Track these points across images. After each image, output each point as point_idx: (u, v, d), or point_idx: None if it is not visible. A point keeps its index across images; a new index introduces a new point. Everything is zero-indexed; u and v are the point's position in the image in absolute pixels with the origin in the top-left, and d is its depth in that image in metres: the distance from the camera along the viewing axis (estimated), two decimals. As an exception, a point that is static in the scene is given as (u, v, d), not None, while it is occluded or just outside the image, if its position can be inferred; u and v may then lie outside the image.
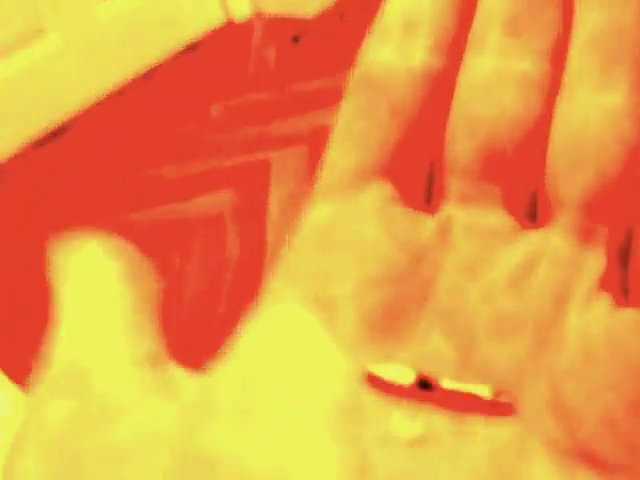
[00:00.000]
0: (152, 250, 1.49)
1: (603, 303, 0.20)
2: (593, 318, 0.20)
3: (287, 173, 1.52)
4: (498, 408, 0.21)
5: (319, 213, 0.23)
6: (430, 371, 0.21)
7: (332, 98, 1.68)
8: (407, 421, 0.20)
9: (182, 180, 1.64)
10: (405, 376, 0.21)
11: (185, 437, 0.19)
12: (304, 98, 1.70)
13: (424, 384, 0.21)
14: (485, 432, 0.20)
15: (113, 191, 1.71)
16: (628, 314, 0.20)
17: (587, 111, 0.21)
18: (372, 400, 0.20)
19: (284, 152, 1.62)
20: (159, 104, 1.79)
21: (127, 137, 1.76)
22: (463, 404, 0.21)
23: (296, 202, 1.44)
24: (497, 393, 0.21)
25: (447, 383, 0.21)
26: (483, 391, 0.21)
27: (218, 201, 1.56)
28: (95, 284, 0.22)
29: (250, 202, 1.47)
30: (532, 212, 0.23)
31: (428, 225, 0.22)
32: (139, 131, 1.76)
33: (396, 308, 0.21)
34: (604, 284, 0.21)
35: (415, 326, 0.21)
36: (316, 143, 1.59)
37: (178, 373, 0.21)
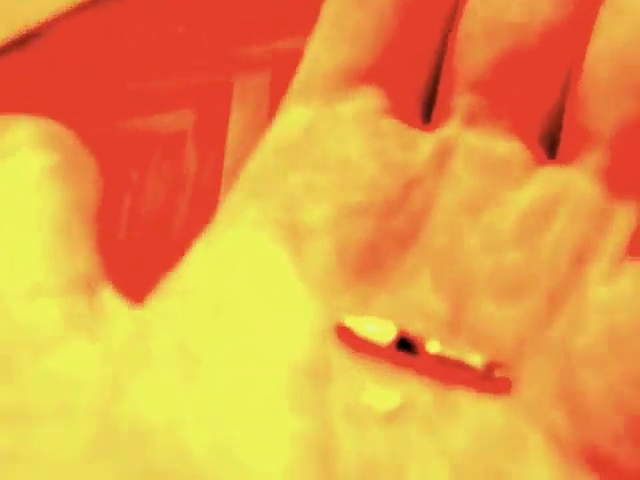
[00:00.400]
0: (111, 164, 1.45)
1: (633, 272, 0.17)
2: (620, 291, 0.17)
3: (249, 97, 1.48)
4: (491, 383, 0.18)
5: (293, 119, 0.20)
6: (414, 329, 0.19)
7: (301, 23, 1.62)
8: (383, 390, 0.18)
9: (144, 96, 1.58)
10: (384, 332, 0.18)
11: (109, 396, 0.16)
12: (271, 22, 1.65)
13: (406, 345, 0.18)
14: (474, 411, 0.17)
15: (74, 104, 1.65)
16: None
17: (639, 24, 0.18)
18: (342, 361, 0.17)
19: (248, 75, 1.57)
20: (126, 20, 1.72)
21: (92, 51, 1.69)
22: (451, 374, 0.18)
23: (256, 127, 1.40)
24: (492, 365, 0.18)
25: (433, 346, 0.18)
26: (476, 360, 0.18)
27: (179, 119, 1.51)
28: (12, 181, 0.17)
29: (211, 123, 1.42)
30: (553, 145, 0.20)
31: (424, 146, 0.19)
32: (104, 45, 1.69)
33: (378, 245, 0.18)
34: (635, 248, 0.18)
35: (400, 270, 0.18)
36: (281, 69, 1.54)
37: (112, 303, 0.17)
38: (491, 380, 0.18)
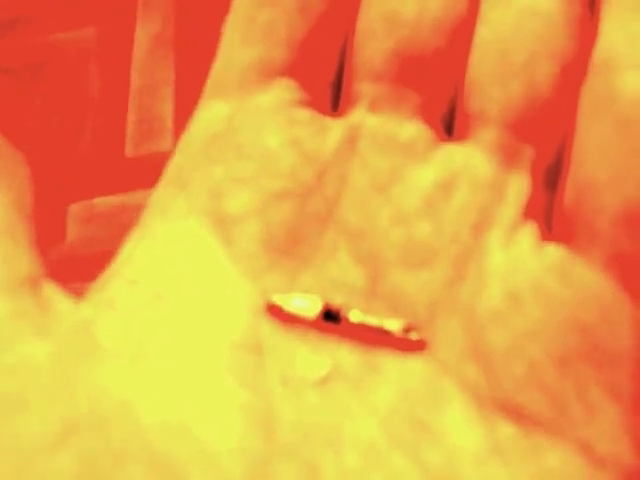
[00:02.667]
0: (11, 89, 1.39)
1: (528, 236, 0.19)
2: (517, 255, 0.18)
3: (154, 13, 1.43)
4: (409, 344, 0.19)
5: (212, 113, 0.20)
6: (337, 301, 0.19)
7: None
8: (314, 357, 0.18)
9: (43, 14, 1.52)
10: (310, 306, 0.19)
11: (63, 387, 0.16)
12: None
13: (331, 316, 0.19)
14: (396, 370, 0.18)
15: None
16: (552, 253, 0.18)
17: (518, 15, 0.19)
18: (275, 335, 0.18)
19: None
20: None
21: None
22: (373, 339, 0.19)
23: (161, 45, 1.37)
24: (408, 328, 0.19)
25: (355, 315, 0.19)
26: (394, 325, 0.19)
27: (81, 38, 1.45)
28: None
29: (114, 41, 1.37)
30: (452, 125, 0.20)
31: (334, 132, 0.20)
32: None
33: (299, 227, 0.19)
34: (529, 212, 0.19)
35: (320, 248, 0.19)
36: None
37: (56, 299, 0.18)
38: (409, 341, 0.19)
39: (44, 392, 0.16)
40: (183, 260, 0.18)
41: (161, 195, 0.19)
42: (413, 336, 0.19)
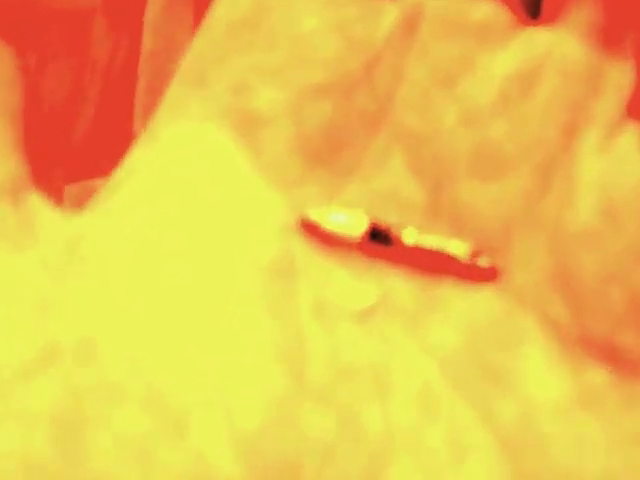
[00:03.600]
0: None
1: (630, 139, 0.16)
2: (616, 161, 0.16)
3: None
4: (478, 272, 0.16)
5: None
6: (389, 219, 0.17)
7: None
8: (356, 285, 0.16)
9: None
10: (354, 224, 0.16)
11: (40, 310, 0.14)
12: None
13: (380, 236, 0.16)
14: (460, 303, 0.16)
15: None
16: None
17: None
18: (309, 258, 0.16)
19: None
20: None
21: None
22: (432, 265, 0.17)
23: (179, 1, 1.31)
24: (477, 252, 0.16)
25: (410, 236, 0.16)
26: (459, 248, 0.16)
27: None
28: None
29: None
30: (536, 5, 0.18)
31: (388, 14, 0.17)
32: None
33: (343, 128, 0.17)
34: (632, 110, 0.16)
35: (369, 155, 0.17)
36: None
37: (40, 211, 0.16)
38: (478, 268, 0.16)
39: (19, 313, 0.14)
40: (198, 169, 0.16)
41: (174, 95, 0.17)
42: (483, 262, 0.16)
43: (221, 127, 0.16)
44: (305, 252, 0.16)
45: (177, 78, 0.18)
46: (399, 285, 0.16)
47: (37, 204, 0.16)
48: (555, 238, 0.16)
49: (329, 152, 0.17)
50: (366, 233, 0.16)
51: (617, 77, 0.17)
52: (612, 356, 0.15)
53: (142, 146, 0.17)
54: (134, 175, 0.17)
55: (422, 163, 0.17)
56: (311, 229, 0.16)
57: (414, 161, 0.17)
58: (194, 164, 0.16)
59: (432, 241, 0.17)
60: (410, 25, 0.17)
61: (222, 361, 0.14)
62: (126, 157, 0.18)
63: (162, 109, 0.17)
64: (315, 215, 0.16)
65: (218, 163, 0.16)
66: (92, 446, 0.13)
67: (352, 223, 0.16)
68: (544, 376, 0.15)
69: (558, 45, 0.17)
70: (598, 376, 0.15)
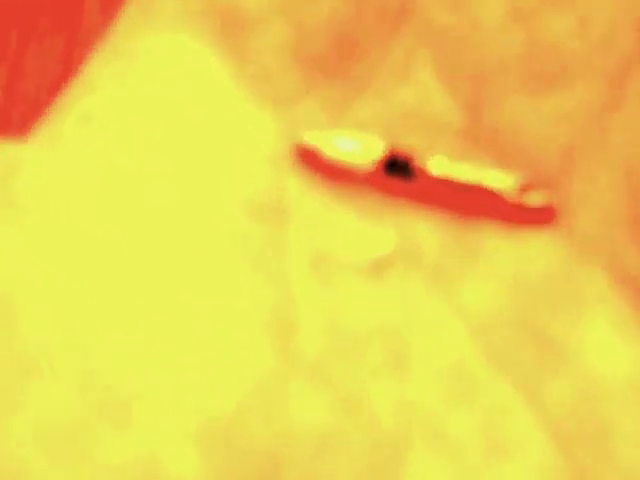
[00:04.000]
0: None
1: None
2: None
3: None
4: (528, 213, 0.14)
5: None
6: (411, 143, 0.15)
7: None
8: (367, 230, 0.14)
9: None
10: (366, 151, 0.14)
11: None
12: None
13: (399, 166, 0.14)
14: (504, 254, 0.14)
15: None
16: None
17: None
18: (306, 194, 0.14)
19: None
20: None
21: None
22: (467, 204, 0.14)
23: None
24: (527, 187, 0.14)
25: (438, 166, 0.14)
26: (503, 182, 0.14)
27: None
28: None
29: None
30: None
31: None
32: None
33: (355, 28, 0.15)
34: None
35: (387, 61, 0.15)
36: None
37: None
38: (527, 208, 0.14)
39: None
40: (170, 86, 0.15)
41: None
42: (534, 199, 0.14)
43: (198, 33, 0.15)
44: (300, 187, 0.14)
45: None
46: (423, 230, 0.14)
47: None
48: (630, 168, 0.14)
49: (336, 59, 0.15)
50: (381, 162, 0.14)
51: None
52: None
53: (101, 60, 0.16)
54: (90, 94, 0.15)
55: (457, 72, 0.15)
56: (309, 157, 0.14)
57: (446, 69, 0.15)
58: (164, 81, 0.15)
59: (467, 173, 0.14)
60: None
61: (188, 330, 0.13)
62: (80, 74, 0.16)
63: (127, 11, 0.16)
64: (314, 139, 0.14)
65: (193, 79, 0.15)
66: (2, 434, 0.12)
67: (363, 149, 0.14)
68: (610, 347, 0.14)
69: None
70: None
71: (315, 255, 0.14)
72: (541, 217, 0.14)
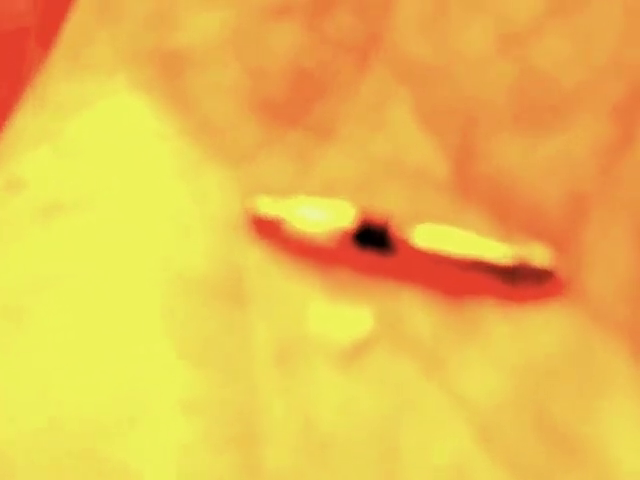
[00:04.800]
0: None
1: None
2: None
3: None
4: (532, 283, 0.12)
5: None
6: (389, 206, 0.13)
7: None
8: (339, 312, 0.12)
9: None
10: (336, 219, 0.12)
11: None
12: None
13: (373, 236, 0.12)
14: (507, 335, 0.13)
15: None
16: None
17: None
18: (266, 273, 0.13)
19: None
20: None
21: None
22: (459, 279, 0.12)
23: None
24: (529, 250, 0.12)
25: (425, 234, 0.12)
26: (500, 250, 0.12)
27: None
28: None
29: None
30: None
31: None
32: None
33: (319, 65, 0.14)
34: None
35: (357, 102, 0.14)
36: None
37: None
38: (530, 278, 0.12)
39: None
40: (99, 143, 0.14)
41: (74, 31, 0.15)
42: (538, 264, 0.12)
43: (134, 80, 0.14)
44: (260, 263, 0.13)
45: (79, 8, 0.15)
46: (409, 309, 0.13)
47: None
48: None
49: (297, 105, 0.14)
50: (352, 233, 0.12)
51: None
52: None
53: (29, 113, 0.15)
54: (18, 155, 0.14)
55: (439, 112, 0.14)
56: (269, 228, 0.13)
57: (427, 109, 0.14)
58: (96, 140, 0.14)
59: (458, 243, 0.12)
60: None
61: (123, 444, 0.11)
62: (9, 123, 0.15)
63: (54, 57, 0.15)
64: (274, 206, 0.12)
65: (129, 136, 0.14)
66: None
67: (331, 218, 0.12)
68: (635, 442, 0.12)
69: None
70: None
71: (281, 346, 0.12)
72: (547, 286, 0.12)
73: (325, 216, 0.12)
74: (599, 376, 0.13)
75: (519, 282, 0.12)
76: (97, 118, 0.14)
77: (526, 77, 0.14)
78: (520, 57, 0.14)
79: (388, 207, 0.13)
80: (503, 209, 0.13)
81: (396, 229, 0.12)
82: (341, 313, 0.12)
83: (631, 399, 0.12)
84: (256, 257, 0.13)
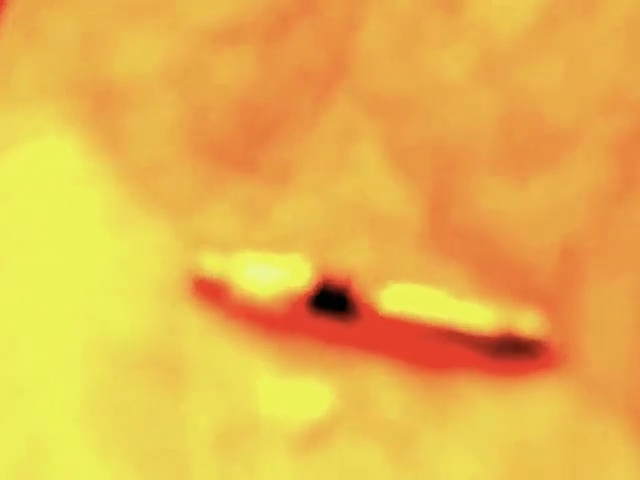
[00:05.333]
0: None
1: None
2: None
3: None
4: (521, 353, 0.11)
5: None
6: (353, 259, 0.11)
7: None
8: (293, 387, 0.11)
9: None
10: (290, 279, 0.11)
11: None
12: None
13: (334, 297, 0.10)
14: (495, 414, 0.11)
15: None
16: None
17: None
18: (212, 339, 0.12)
19: None
20: None
21: None
22: (436, 349, 0.11)
23: None
24: (517, 316, 0.11)
25: (393, 295, 0.10)
26: (484, 316, 0.10)
27: None
28: None
29: None
30: None
31: None
32: None
33: (275, 98, 0.12)
34: None
35: (317, 138, 0.12)
36: None
37: None
38: (518, 349, 0.11)
39: None
40: (24, 192, 0.12)
41: (1, 55, 0.13)
42: (528, 332, 0.10)
43: (64, 119, 0.13)
44: (201, 330, 0.12)
45: (6, 27, 0.14)
46: (376, 385, 0.11)
47: None
48: None
49: (247, 144, 0.12)
50: (310, 295, 0.10)
51: None
52: None
53: None
54: None
55: (413, 150, 0.12)
56: (212, 290, 0.11)
57: (398, 147, 0.12)
58: (21, 188, 0.13)
59: (434, 307, 0.10)
60: None
61: None
62: None
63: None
64: (219, 265, 0.11)
65: (56, 182, 0.13)
66: None
67: (285, 277, 0.11)
68: None
69: None
70: None
71: (223, 428, 0.11)
72: (538, 357, 0.11)
73: (277, 276, 0.10)
74: (597, 456, 0.11)
75: (504, 354, 0.11)
76: (22, 161, 0.13)
77: (511, 107, 0.12)
78: (505, 83, 0.12)
79: (352, 263, 0.11)
80: (486, 264, 0.12)
81: (360, 290, 0.10)
82: (296, 390, 0.11)
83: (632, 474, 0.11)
84: (197, 324, 0.12)
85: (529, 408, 0.11)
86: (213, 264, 0.11)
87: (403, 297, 0.10)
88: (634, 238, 0.12)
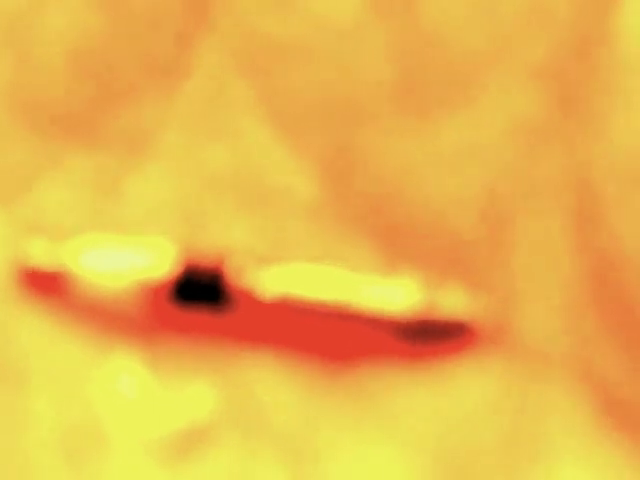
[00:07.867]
0: None
1: None
2: None
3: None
4: (440, 334, 0.10)
5: None
6: (228, 237, 0.10)
7: None
8: (159, 389, 0.10)
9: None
10: (147, 264, 0.09)
11: None
12: None
13: (201, 285, 0.09)
14: (405, 406, 0.10)
15: None
16: None
17: None
18: (52, 339, 0.10)
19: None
20: None
21: None
22: (334, 335, 0.10)
23: None
24: (435, 290, 0.09)
25: (277, 277, 0.09)
26: (393, 292, 0.09)
27: None
28: None
29: None
30: None
31: None
32: None
33: (117, 49, 0.11)
34: None
35: (176, 92, 0.11)
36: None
37: None
38: (436, 329, 0.10)
39: None
40: None
41: None
42: (448, 308, 0.09)
43: None
44: (36, 333, 0.11)
45: None
46: (261, 381, 0.10)
47: None
48: (591, 226, 0.11)
49: (92, 106, 0.11)
50: (173, 284, 0.09)
51: None
52: None
53: None
54: None
55: (296, 106, 0.11)
56: (48, 283, 0.10)
57: (279, 103, 0.11)
58: None
59: (317, 287, 0.09)
60: None
61: None
62: None
63: None
64: (54, 253, 0.10)
65: None
66: None
67: (141, 265, 0.09)
68: None
69: None
70: None
71: (69, 431, 0.10)
72: (465, 337, 0.10)
73: (130, 262, 0.09)
74: (536, 417, 0.10)
75: (424, 338, 0.09)
76: None
77: (414, 43, 0.11)
78: (400, 14, 0.11)
79: (227, 243, 0.10)
80: (396, 232, 0.11)
81: (235, 274, 0.09)
82: (165, 392, 0.09)
83: (576, 450, 0.11)
84: (32, 323, 0.11)
85: (458, 389, 0.10)
86: (45, 252, 0.09)
87: (290, 278, 0.09)
88: (567, 172, 0.10)
